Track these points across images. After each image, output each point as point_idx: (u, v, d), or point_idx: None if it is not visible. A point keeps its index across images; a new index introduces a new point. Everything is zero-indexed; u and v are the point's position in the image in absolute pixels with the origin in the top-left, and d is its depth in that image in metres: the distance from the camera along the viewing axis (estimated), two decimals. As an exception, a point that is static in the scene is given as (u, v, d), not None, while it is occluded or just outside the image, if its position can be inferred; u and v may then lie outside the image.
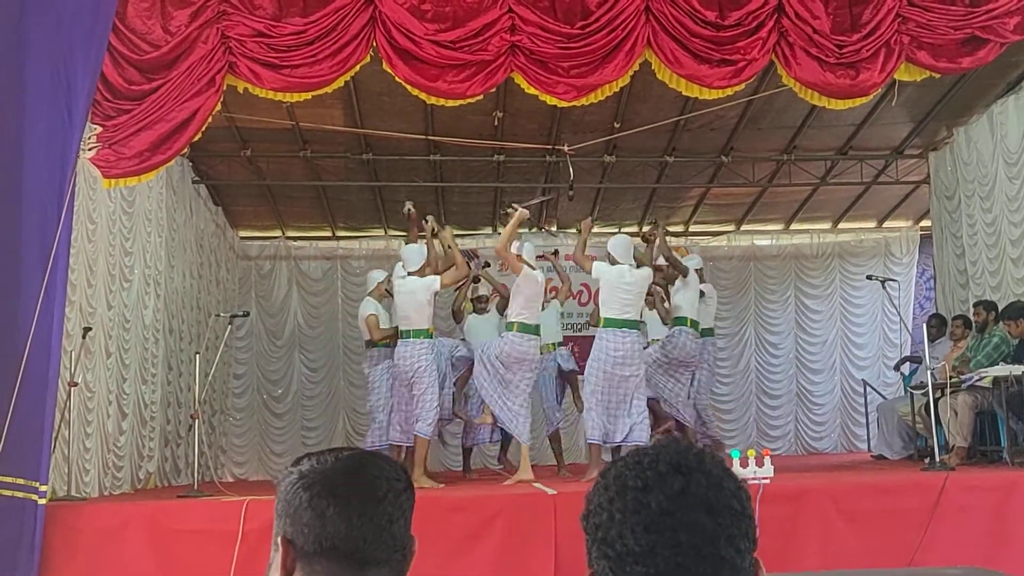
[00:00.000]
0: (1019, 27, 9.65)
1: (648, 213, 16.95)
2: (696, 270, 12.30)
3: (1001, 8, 9.58)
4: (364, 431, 12.44)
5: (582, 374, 12.77)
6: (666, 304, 12.49)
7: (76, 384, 9.49)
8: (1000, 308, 11.81)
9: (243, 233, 17.26)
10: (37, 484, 7.79)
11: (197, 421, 10.42)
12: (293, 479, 2.15)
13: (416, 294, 10.93)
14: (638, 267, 11.15)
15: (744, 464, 8.43)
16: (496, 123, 13.09)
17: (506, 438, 12.39)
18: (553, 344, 12.96)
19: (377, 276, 12.50)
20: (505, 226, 11.26)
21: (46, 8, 8.34)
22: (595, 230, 17.15)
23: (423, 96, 9.76)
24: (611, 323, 10.75)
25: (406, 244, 11.77)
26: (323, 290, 17.29)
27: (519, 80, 9.78)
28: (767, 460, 9.30)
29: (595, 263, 10.95)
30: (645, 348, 11.57)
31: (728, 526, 1.79)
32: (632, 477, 1.82)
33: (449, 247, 11.57)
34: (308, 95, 9.63)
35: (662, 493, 1.78)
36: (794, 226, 18.02)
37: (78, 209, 8.92)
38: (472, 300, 13.03)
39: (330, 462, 2.18)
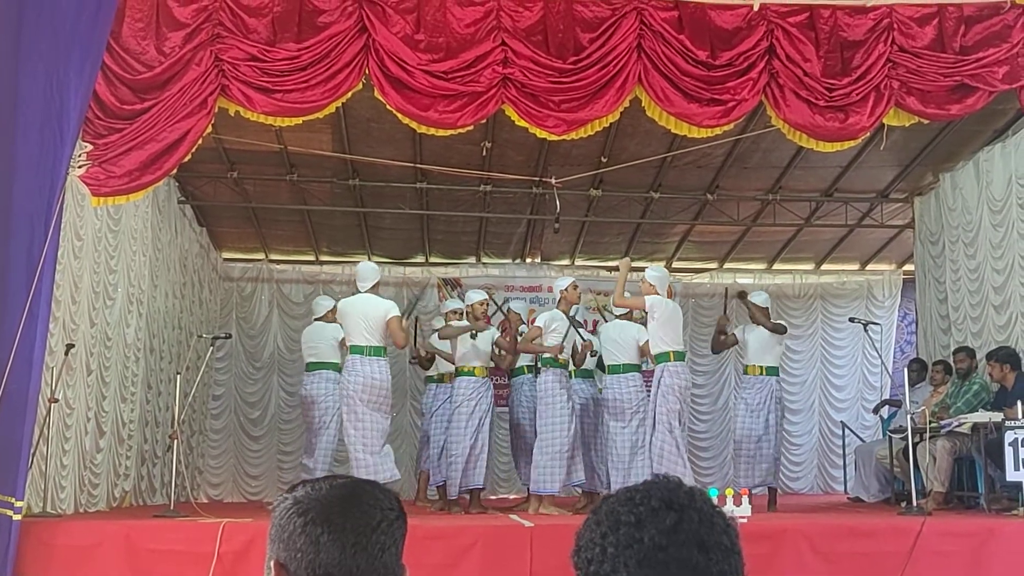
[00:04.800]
0: (1007, 76, 9.75)
1: (632, 248, 17.02)
2: (765, 308, 12.36)
3: (990, 57, 9.70)
4: (341, 458, 12.30)
5: None
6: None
7: (56, 400, 9.45)
8: (980, 355, 11.88)
9: (226, 255, 17.22)
10: (13, 500, 7.77)
11: (176, 441, 10.40)
12: (287, 505, 2.17)
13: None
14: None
15: (721, 502, 8.43)
16: (484, 153, 13.12)
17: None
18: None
19: (326, 304, 12.81)
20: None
21: (42, 25, 8.36)
22: (579, 263, 17.31)
23: (413, 125, 9.80)
24: (374, 351, 10.79)
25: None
26: (304, 314, 17.16)
27: (510, 112, 9.82)
28: (745, 499, 9.33)
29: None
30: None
31: (719, 562, 1.81)
32: (625, 512, 1.85)
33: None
34: (299, 120, 9.67)
35: (655, 528, 1.81)
36: (777, 266, 18.05)
37: (65, 226, 8.92)
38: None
39: (325, 489, 2.19)
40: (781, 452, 12.44)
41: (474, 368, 11.40)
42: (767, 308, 12.32)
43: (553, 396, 11.01)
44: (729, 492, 9.53)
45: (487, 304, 12.01)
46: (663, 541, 1.79)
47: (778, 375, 12.27)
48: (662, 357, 10.69)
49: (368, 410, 10.41)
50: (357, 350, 10.57)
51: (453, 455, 11.18)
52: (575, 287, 11.56)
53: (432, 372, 12.89)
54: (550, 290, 15.30)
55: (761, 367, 12.08)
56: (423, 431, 12.87)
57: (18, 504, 7.80)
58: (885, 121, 10.00)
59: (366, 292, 10.96)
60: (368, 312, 10.66)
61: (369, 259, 16.98)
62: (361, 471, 10.17)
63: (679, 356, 10.79)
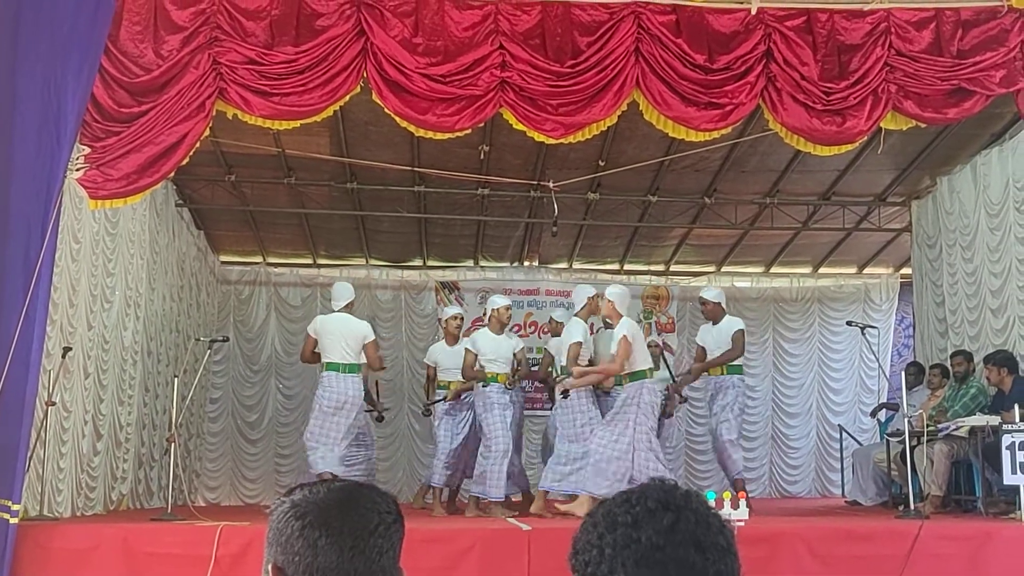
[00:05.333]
0: (1005, 80, 9.75)
1: (629, 251, 17.02)
2: (717, 303, 12.36)
3: (987, 61, 9.71)
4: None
5: None
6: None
7: (53, 403, 9.44)
8: (978, 359, 11.88)
9: (224, 258, 17.20)
10: (9, 503, 7.77)
11: (173, 445, 10.39)
12: (285, 508, 2.16)
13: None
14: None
15: (719, 506, 8.40)
16: (482, 157, 13.10)
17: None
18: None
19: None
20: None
21: (40, 28, 8.37)
22: (576, 266, 17.31)
23: (411, 128, 9.80)
24: (349, 368, 11.18)
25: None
26: (302, 317, 17.10)
27: (507, 116, 9.82)
28: (742, 502, 9.32)
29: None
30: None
31: (715, 561, 1.82)
32: (622, 513, 1.86)
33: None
34: (297, 123, 9.67)
35: (652, 528, 1.81)
36: (775, 269, 18.04)
37: (63, 228, 8.91)
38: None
39: (323, 493, 2.19)
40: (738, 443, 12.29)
41: (498, 375, 11.41)
42: (719, 303, 12.35)
43: (579, 403, 10.95)
44: (727, 495, 9.53)
45: (510, 310, 11.99)
46: (660, 541, 1.80)
47: (741, 372, 12.28)
48: (639, 375, 10.64)
49: (337, 418, 11.08)
50: (333, 367, 11.12)
51: (492, 456, 11.13)
52: (600, 296, 11.50)
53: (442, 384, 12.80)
54: (548, 293, 15.32)
55: (721, 367, 12.10)
56: (442, 444, 12.53)
57: (15, 507, 7.80)
58: (882, 125, 9.99)
59: (340, 311, 11.46)
60: (345, 332, 11.19)
61: (367, 262, 17.05)
62: (319, 464, 10.98)
63: (652, 373, 10.82)
